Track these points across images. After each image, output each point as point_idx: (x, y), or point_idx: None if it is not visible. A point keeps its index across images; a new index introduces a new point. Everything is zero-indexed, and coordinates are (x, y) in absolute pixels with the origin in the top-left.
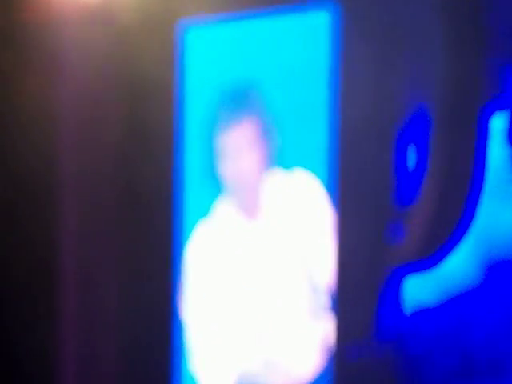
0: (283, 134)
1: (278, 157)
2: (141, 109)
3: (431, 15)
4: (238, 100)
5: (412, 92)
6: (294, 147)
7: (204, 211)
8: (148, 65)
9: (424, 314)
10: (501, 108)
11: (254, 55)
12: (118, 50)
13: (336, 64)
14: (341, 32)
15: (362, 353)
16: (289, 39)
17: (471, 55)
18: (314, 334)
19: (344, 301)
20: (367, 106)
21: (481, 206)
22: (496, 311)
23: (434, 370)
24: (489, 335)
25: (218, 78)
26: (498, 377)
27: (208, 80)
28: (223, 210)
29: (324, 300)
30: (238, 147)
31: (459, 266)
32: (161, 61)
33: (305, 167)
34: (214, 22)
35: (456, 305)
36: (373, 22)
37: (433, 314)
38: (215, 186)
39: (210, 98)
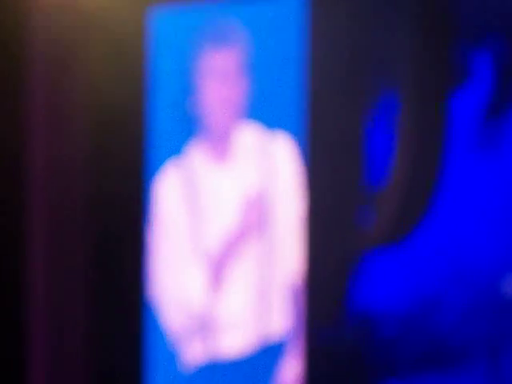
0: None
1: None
2: (111, 94)
3: (399, 2)
4: (221, 32)
5: (382, 76)
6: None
7: (176, 151)
8: (118, 50)
9: (394, 295)
10: (468, 92)
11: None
12: (88, 37)
13: (307, 49)
14: (311, 17)
15: (333, 334)
16: (260, 26)
17: (439, 41)
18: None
19: (314, 281)
20: (336, 89)
21: (448, 188)
22: (465, 294)
23: (404, 351)
24: (458, 318)
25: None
26: (465, 358)
27: (178, 63)
28: (194, 152)
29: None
30: (223, 71)
31: (428, 248)
32: (131, 46)
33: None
34: (184, 9)
35: (425, 287)
36: (341, 8)
37: (402, 295)
38: (188, 126)
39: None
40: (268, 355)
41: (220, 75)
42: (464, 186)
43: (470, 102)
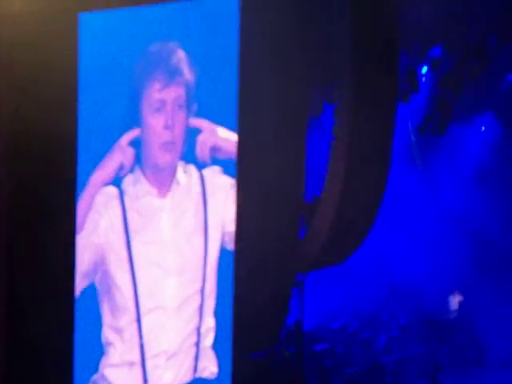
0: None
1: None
2: (42, 92)
3: (338, 12)
4: (169, 64)
5: (321, 88)
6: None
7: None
8: (49, 49)
9: (329, 311)
10: (410, 106)
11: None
12: (19, 38)
13: (242, 60)
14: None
15: (265, 354)
16: (195, 25)
17: (383, 55)
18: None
19: (251, 301)
20: (275, 100)
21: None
22: (402, 311)
23: (340, 365)
24: (393, 340)
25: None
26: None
27: (111, 63)
28: (137, 184)
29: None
30: (168, 104)
31: (363, 265)
32: (61, 46)
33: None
34: (115, 10)
35: (362, 303)
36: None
37: (338, 311)
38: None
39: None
40: None
41: (163, 110)
42: (400, 201)
43: (410, 116)
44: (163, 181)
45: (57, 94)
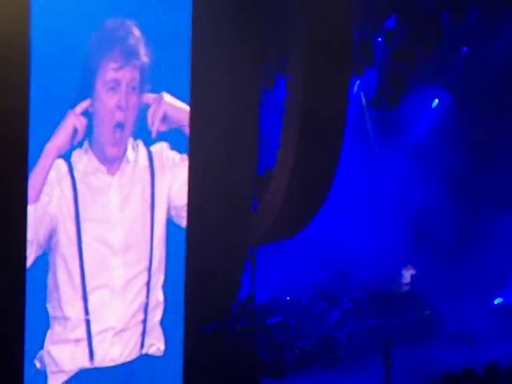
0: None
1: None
2: None
3: None
4: (126, 45)
5: (275, 60)
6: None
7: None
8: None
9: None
10: (365, 78)
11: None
12: None
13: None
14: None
15: (217, 328)
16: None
17: (337, 26)
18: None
19: (203, 274)
20: (227, 73)
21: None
22: (348, 286)
23: (288, 339)
24: (345, 313)
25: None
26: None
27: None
28: (86, 160)
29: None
30: (123, 85)
31: (314, 237)
32: (13, 18)
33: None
34: None
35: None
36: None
37: (286, 284)
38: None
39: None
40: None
41: (118, 90)
42: (352, 176)
43: (363, 89)
44: (112, 159)
45: (7, 69)
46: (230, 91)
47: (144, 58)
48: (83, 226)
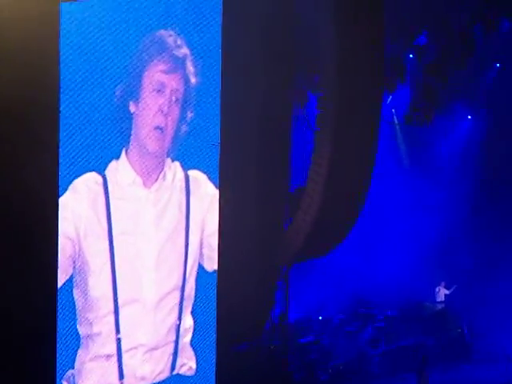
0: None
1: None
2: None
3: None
4: (175, 52)
5: (306, 77)
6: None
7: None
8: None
9: (312, 303)
10: (397, 95)
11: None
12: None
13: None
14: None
15: (250, 347)
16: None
17: (369, 43)
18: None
19: (236, 294)
20: (260, 92)
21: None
22: (388, 304)
23: (323, 357)
24: (379, 332)
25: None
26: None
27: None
28: (122, 171)
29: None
30: (167, 89)
31: (349, 255)
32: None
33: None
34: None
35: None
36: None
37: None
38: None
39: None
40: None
41: (163, 93)
42: (386, 193)
43: (396, 105)
44: (150, 170)
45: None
46: (261, 109)
47: (191, 75)
48: (116, 240)
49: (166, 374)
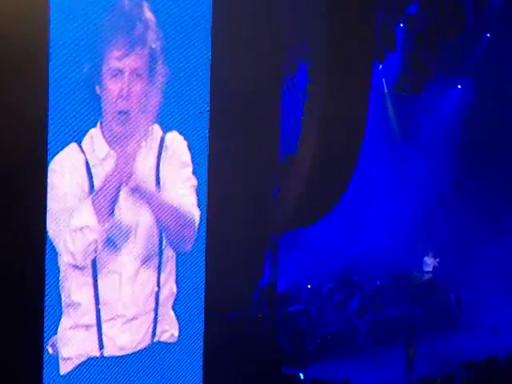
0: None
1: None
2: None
3: None
4: (133, 32)
5: (297, 46)
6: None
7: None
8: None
9: (300, 272)
10: (388, 65)
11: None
12: None
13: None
14: None
15: (238, 316)
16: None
17: (359, 12)
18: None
19: (223, 262)
20: (250, 61)
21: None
22: (374, 273)
23: (310, 326)
24: (367, 302)
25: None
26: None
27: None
28: (97, 144)
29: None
30: (125, 73)
31: (337, 224)
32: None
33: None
34: None
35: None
36: None
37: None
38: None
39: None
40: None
41: (120, 78)
42: (377, 163)
43: (386, 75)
44: (124, 145)
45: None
46: (251, 77)
47: (153, 44)
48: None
49: (146, 342)
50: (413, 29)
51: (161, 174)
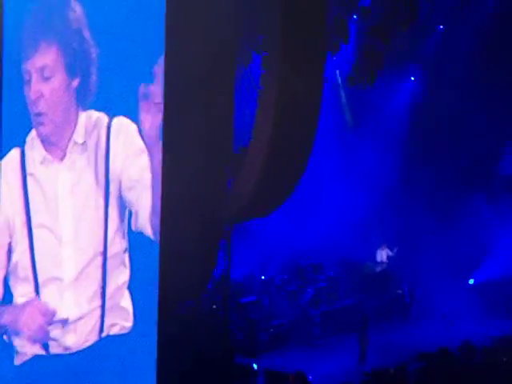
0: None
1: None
2: None
3: None
4: (43, 24)
5: (250, 39)
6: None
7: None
8: None
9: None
10: (341, 56)
11: None
12: None
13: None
14: None
15: (191, 306)
16: None
17: (312, 3)
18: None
19: (176, 253)
20: (202, 50)
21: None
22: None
23: (263, 316)
24: (320, 292)
25: None
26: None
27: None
28: (34, 147)
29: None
30: (35, 73)
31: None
32: None
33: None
34: None
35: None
36: None
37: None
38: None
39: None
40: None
41: (30, 81)
42: (326, 156)
43: (339, 66)
44: (56, 145)
45: None
46: (204, 68)
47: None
48: (33, 220)
49: (94, 339)
50: (366, 20)
51: (110, 159)
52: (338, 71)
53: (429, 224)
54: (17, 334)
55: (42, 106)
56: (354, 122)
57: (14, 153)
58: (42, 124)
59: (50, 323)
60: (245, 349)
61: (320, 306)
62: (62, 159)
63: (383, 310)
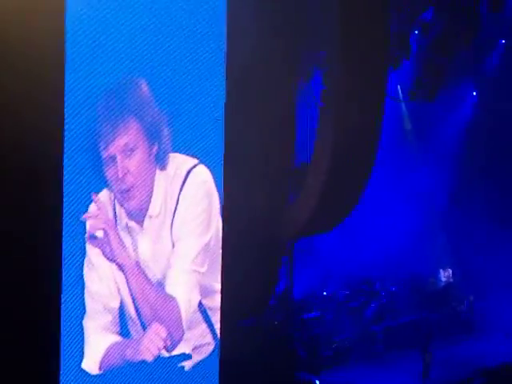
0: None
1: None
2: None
3: None
4: (119, 101)
5: (312, 55)
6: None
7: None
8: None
9: (317, 279)
10: (402, 71)
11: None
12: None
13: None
14: None
15: (254, 322)
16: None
17: (374, 19)
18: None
19: (242, 269)
20: (263, 65)
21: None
22: (391, 281)
23: (328, 333)
24: (383, 308)
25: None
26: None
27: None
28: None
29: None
30: (120, 153)
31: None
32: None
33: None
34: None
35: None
36: None
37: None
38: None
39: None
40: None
41: (114, 162)
42: (393, 170)
43: (400, 81)
44: (137, 215)
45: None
46: (266, 85)
47: (149, 109)
48: None
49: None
50: (427, 35)
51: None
52: (399, 86)
53: (491, 240)
54: None
55: (130, 181)
56: (414, 137)
57: None
58: (130, 199)
59: None
60: (307, 365)
61: (382, 321)
62: (142, 225)
63: (445, 325)
